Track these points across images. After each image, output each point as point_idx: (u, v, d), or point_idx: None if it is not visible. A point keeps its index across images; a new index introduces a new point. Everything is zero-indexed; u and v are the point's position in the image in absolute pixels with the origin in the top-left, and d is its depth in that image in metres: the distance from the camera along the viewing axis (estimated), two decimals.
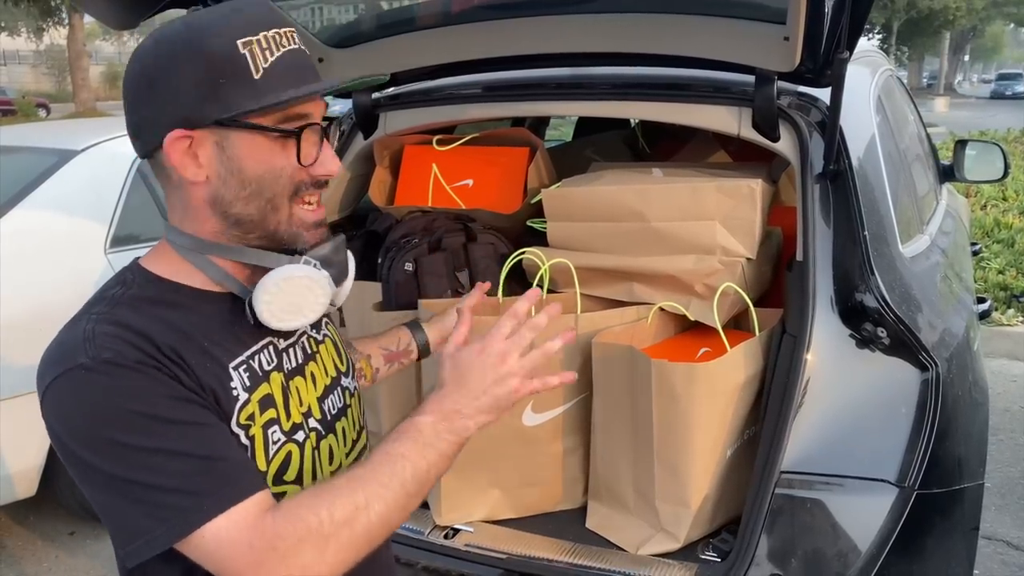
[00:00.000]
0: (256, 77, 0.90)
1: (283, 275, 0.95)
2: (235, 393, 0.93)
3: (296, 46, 0.94)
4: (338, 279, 1.03)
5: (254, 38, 0.90)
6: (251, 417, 0.94)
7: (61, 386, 0.85)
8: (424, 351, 1.47)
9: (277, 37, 0.91)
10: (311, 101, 0.94)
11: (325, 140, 0.97)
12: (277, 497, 0.89)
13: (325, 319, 1.16)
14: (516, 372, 0.96)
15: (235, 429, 0.92)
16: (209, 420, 0.89)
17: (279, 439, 0.97)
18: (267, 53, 0.90)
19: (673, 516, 1.59)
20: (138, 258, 0.99)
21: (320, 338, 1.12)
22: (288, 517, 0.84)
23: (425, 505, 1.75)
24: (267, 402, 0.97)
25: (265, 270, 0.96)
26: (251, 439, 0.94)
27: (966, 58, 62.46)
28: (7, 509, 3.01)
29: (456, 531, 1.69)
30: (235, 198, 0.93)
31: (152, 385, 0.85)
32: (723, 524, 1.64)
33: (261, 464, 0.94)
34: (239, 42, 0.89)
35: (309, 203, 0.97)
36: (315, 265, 0.98)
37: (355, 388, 1.17)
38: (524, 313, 1.00)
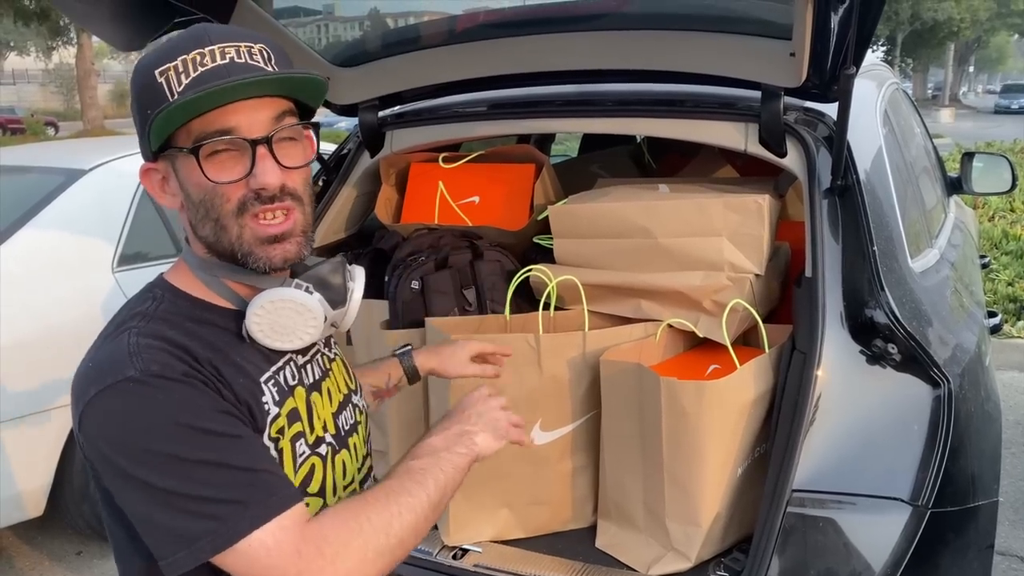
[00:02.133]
0: (172, 102, 0.88)
1: (268, 298, 0.95)
2: (267, 407, 0.95)
3: (225, 61, 0.89)
4: (335, 302, 1.02)
5: (171, 64, 0.89)
6: (281, 431, 0.96)
7: (108, 399, 0.85)
8: (413, 377, 1.42)
9: (199, 57, 0.88)
10: (232, 114, 0.89)
11: (264, 151, 0.91)
12: None
13: (332, 339, 1.16)
14: (497, 408, 1.09)
15: (266, 442, 0.94)
16: (248, 433, 0.91)
17: (304, 452, 1.00)
18: (183, 76, 0.88)
19: (684, 535, 1.57)
20: (163, 273, 1.01)
21: (332, 356, 1.14)
22: (332, 523, 0.87)
23: (434, 525, 1.74)
24: (294, 416, 0.99)
25: (260, 289, 0.96)
26: (280, 452, 0.96)
27: (971, 69, 62.47)
28: (15, 529, 3.00)
29: (465, 551, 1.67)
30: (197, 221, 0.95)
31: (199, 397, 0.87)
32: (734, 543, 1.62)
33: (289, 476, 0.96)
34: (156, 71, 0.89)
35: (265, 218, 0.93)
36: (307, 288, 0.98)
37: (364, 406, 1.20)
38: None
